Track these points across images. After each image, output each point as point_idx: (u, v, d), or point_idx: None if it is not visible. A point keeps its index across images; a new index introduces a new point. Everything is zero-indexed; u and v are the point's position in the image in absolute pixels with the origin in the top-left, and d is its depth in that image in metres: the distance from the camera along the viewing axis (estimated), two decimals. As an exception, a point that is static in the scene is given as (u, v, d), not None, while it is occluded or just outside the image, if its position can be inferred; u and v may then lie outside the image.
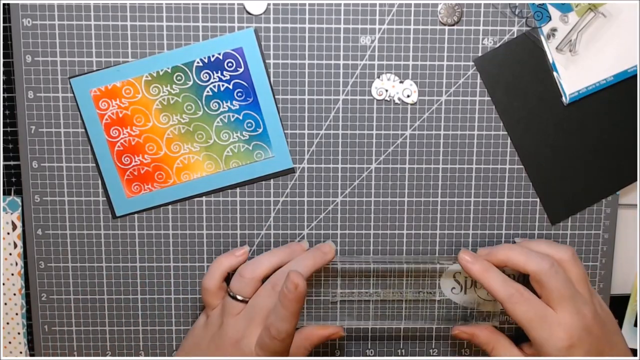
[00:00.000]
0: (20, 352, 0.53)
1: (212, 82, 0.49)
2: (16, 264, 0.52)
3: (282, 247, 0.50)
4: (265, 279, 0.48)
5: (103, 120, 0.49)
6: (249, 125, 0.50)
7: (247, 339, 0.46)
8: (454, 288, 0.53)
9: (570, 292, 0.45)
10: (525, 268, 0.46)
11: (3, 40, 0.49)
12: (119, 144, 0.50)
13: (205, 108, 0.49)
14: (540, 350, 0.45)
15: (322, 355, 0.54)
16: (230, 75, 0.49)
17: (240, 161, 0.50)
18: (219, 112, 0.49)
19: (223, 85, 0.49)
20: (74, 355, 0.53)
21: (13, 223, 0.51)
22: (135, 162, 0.50)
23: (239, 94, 0.49)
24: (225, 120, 0.50)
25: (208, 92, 0.49)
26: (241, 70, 0.49)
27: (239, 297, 0.47)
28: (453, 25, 0.50)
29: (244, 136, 0.50)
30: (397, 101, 0.51)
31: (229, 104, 0.49)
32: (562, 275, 0.46)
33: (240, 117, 0.50)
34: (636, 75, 0.50)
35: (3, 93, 0.50)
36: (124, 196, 0.51)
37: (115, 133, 0.50)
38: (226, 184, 0.51)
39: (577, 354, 0.45)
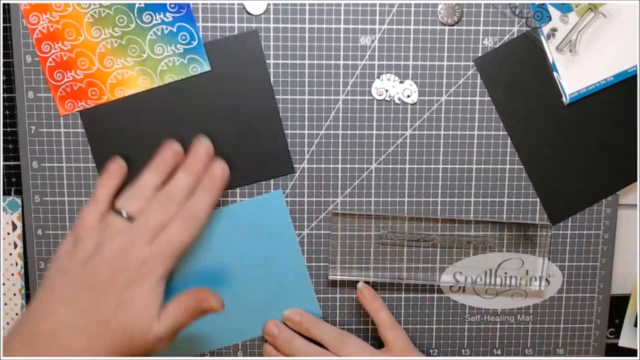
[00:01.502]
0: (21, 352, 0.53)
1: None
2: (16, 264, 0.52)
3: (158, 161, 0.47)
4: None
5: (34, 35, 0.48)
6: (184, 38, 0.48)
7: (135, 252, 0.43)
8: (452, 286, 0.53)
9: None
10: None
11: (3, 40, 0.49)
12: (50, 59, 0.49)
13: (138, 21, 0.48)
14: None
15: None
16: None
17: (176, 76, 0.49)
18: (151, 24, 0.48)
19: None
20: (74, 355, 0.53)
21: (13, 223, 0.51)
22: (67, 78, 0.49)
23: (172, 6, 0.48)
24: (159, 33, 0.48)
25: (140, 4, 0.48)
26: None
27: (124, 213, 0.45)
28: (453, 25, 0.50)
29: (178, 49, 0.49)
30: (397, 101, 0.51)
31: (162, 16, 0.48)
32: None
33: (174, 30, 0.48)
34: (636, 75, 0.50)
35: (3, 93, 0.50)
36: None
37: (46, 48, 0.48)
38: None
39: None
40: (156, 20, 0.48)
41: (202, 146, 0.47)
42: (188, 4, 0.48)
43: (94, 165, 0.50)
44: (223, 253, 0.51)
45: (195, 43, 0.48)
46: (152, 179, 0.46)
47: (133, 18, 0.48)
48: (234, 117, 0.50)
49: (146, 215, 0.45)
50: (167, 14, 0.48)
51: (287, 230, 0.51)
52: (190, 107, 0.49)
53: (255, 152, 0.50)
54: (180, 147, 0.48)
